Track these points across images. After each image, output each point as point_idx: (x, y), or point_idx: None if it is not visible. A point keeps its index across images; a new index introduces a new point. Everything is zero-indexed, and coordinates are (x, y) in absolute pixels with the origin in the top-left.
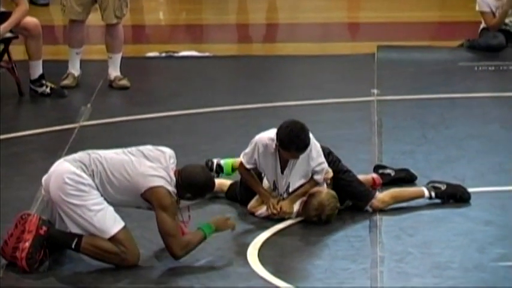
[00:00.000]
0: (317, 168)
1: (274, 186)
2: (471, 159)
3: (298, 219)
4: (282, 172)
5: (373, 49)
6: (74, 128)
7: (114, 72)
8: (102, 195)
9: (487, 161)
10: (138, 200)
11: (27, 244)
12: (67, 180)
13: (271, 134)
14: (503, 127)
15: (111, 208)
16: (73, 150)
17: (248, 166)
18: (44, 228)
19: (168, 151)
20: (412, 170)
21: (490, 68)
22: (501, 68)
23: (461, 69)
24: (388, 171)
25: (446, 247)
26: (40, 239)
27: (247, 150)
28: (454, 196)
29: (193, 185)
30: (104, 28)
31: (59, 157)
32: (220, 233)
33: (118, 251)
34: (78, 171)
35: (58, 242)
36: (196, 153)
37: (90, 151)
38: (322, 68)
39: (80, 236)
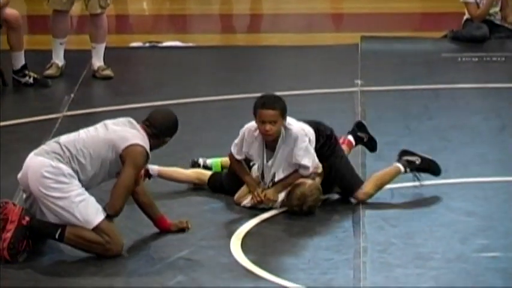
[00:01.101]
0: (303, 163)
1: (262, 176)
2: (454, 150)
3: (282, 209)
4: (268, 161)
5: (357, 40)
6: (57, 118)
7: (98, 62)
8: (82, 182)
9: (470, 152)
10: (116, 166)
11: (8, 234)
12: (46, 174)
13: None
14: (486, 118)
15: (92, 198)
16: None
17: (238, 157)
18: (27, 218)
19: (129, 118)
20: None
21: (473, 59)
22: (484, 59)
23: (444, 60)
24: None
25: (429, 238)
26: (22, 230)
27: (237, 141)
28: (426, 170)
29: (170, 124)
30: (87, 18)
31: None
32: (204, 223)
33: (102, 240)
34: (54, 163)
35: (41, 232)
36: (179, 144)
37: (57, 138)
38: (306, 59)
39: (63, 226)
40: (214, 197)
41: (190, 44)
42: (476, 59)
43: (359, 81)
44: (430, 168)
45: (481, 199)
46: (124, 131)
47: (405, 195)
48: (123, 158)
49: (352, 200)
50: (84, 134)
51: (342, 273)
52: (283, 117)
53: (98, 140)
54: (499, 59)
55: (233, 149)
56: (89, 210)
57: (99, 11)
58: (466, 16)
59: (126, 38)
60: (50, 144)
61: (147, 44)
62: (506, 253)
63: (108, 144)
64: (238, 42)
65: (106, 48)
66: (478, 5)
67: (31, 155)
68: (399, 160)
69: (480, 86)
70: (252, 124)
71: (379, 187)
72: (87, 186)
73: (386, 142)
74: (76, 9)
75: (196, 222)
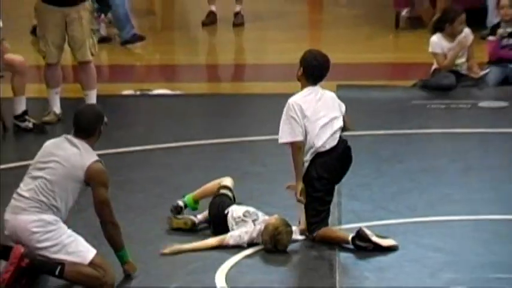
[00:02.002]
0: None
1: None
2: (423, 190)
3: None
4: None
5: (333, 88)
6: None
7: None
8: (63, 218)
9: (437, 192)
10: (80, 188)
11: (7, 275)
12: (34, 230)
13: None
14: (453, 160)
15: (80, 238)
16: None
17: (299, 138)
18: (26, 260)
19: (64, 136)
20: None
21: (441, 106)
22: (451, 106)
23: (414, 107)
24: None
25: (400, 272)
26: (22, 270)
27: (286, 127)
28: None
29: (94, 117)
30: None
31: None
32: (191, 258)
33: (98, 274)
34: (37, 217)
35: (42, 271)
36: (168, 185)
37: (18, 190)
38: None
39: (62, 264)
40: (197, 236)
41: (179, 92)
42: (444, 106)
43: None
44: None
45: (448, 236)
46: (74, 157)
47: (376, 231)
48: (88, 181)
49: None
50: (42, 177)
51: None
52: None
53: (59, 179)
54: (465, 106)
55: (290, 137)
56: (81, 248)
57: (90, 58)
58: (435, 66)
59: (118, 87)
60: (20, 199)
61: (138, 92)
62: (473, 286)
63: (70, 178)
64: (224, 91)
65: (99, 96)
66: (445, 56)
67: (10, 214)
68: (355, 236)
69: (447, 131)
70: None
71: (325, 240)
72: (66, 217)
73: (359, 183)
74: (67, 59)
75: (183, 258)
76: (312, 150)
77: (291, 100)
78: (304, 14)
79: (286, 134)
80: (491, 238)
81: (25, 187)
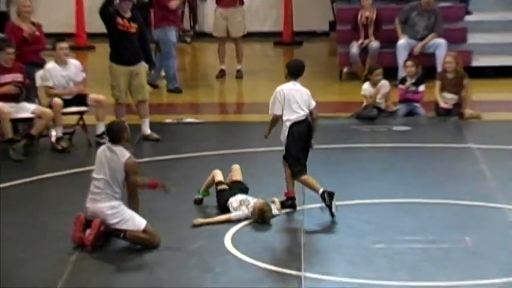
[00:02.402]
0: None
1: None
2: (359, 183)
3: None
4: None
5: None
6: None
7: (147, 130)
8: (121, 194)
9: (368, 184)
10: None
11: (91, 237)
12: (108, 212)
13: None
14: (377, 164)
15: (135, 213)
16: None
17: (278, 113)
18: (102, 228)
19: (106, 145)
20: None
21: (368, 130)
22: (375, 129)
23: (352, 130)
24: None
25: (342, 234)
26: (100, 234)
27: (273, 104)
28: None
29: (117, 128)
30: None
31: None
32: (205, 229)
33: (148, 237)
34: (107, 204)
35: (112, 235)
36: (195, 180)
37: (93, 181)
38: (276, 129)
39: (125, 231)
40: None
41: (201, 120)
42: (370, 129)
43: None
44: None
45: (374, 213)
46: (115, 158)
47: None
48: (126, 171)
49: None
50: (102, 178)
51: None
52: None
53: (112, 175)
54: (384, 129)
55: (275, 111)
56: (136, 221)
57: (146, 98)
58: (364, 104)
59: (163, 117)
60: (95, 191)
61: (175, 121)
62: (390, 244)
63: (118, 172)
64: (230, 119)
65: (150, 122)
66: (371, 97)
67: (90, 203)
68: (324, 192)
69: (373, 146)
70: (279, 88)
71: (305, 185)
72: (122, 195)
73: (317, 178)
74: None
75: (200, 228)
76: (289, 122)
77: (279, 88)
78: (282, 71)
79: (273, 109)
80: (405, 214)
81: (95, 185)
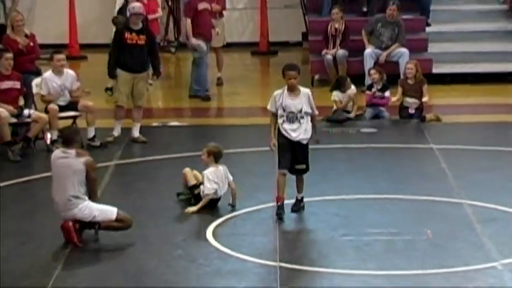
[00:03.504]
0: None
1: (292, 114)
2: (329, 180)
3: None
4: (294, 101)
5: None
6: (110, 165)
7: (136, 133)
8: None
9: (338, 181)
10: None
11: (75, 239)
12: (80, 215)
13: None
14: (347, 162)
15: (103, 205)
16: (112, 182)
17: (273, 110)
18: (77, 225)
19: (58, 149)
20: None
21: (339, 131)
22: (344, 131)
23: (324, 132)
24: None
25: (314, 226)
26: (78, 231)
27: (269, 103)
28: None
29: (69, 132)
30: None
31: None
32: (189, 221)
33: (122, 224)
34: (77, 208)
35: (88, 228)
36: (176, 177)
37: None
38: (254, 131)
39: (99, 223)
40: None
41: (185, 124)
42: (341, 131)
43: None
44: None
45: (343, 207)
46: (72, 161)
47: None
48: (87, 169)
49: None
50: (63, 181)
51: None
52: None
53: (74, 174)
54: (352, 131)
55: (270, 108)
56: (108, 213)
57: (142, 104)
58: (334, 108)
59: (149, 121)
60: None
61: (161, 124)
62: (358, 237)
63: (78, 172)
64: (211, 123)
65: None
66: (341, 102)
67: (63, 212)
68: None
69: (343, 146)
70: (278, 91)
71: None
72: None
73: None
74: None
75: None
76: (280, 121)
77: (275, 92)
78: (259, 78)
79: (269, 106)
80: (372, 209)
81: (55, 191)
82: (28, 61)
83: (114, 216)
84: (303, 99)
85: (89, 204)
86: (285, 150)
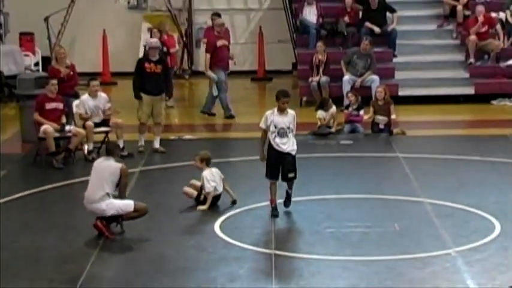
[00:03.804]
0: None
1: (282, 130)
2: (314, 183)
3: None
4: (283, 120)
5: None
6: (135, 171)
7: (157, 145)
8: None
9: (321, 184)
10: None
11: (107, 234)
12: (105, 208)
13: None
14: (329, 169)
15: (123, 201)
16: (137, 184)
17: (264, 126)
18: (104, 222)
19: (105, 157)
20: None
21: (322, 143)
22: (327, 143)
23: (310, 144)
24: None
25: (301, 221)
26: (107, 226)
27: (262, 121)
28: None
29: (113, 146)
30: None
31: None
32: (201, 216)
33: (139, 213)
34: (104, 202)
35: (114, 221)
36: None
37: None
38: (252, 144)
39: (122, 216)
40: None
41: (197, 137)
42: (324, 143)
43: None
44: None
45: (325, 206)
46: (112, 165)
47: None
48: (121, 174)
49: None
50: (98, 178)
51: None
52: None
53: (109, 176)
54: (333, 143)
55: (262, 125)
56: (127, 206)
57: (161, 121)
58: (319, 124)
59: (168, 134)
60: (93, 193)
61: (177, 137)
62: (338, 229)
63: (113, 173)
64: (218, 136)
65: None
66: (324, 119)
67: (90, 204)
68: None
69: (326, 155)
70: (269, 111)
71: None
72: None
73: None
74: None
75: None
76: (271, 137)
77: (267, 112)
78: (256, 100)
79: (261, 124)
80: (349, 206)
81: (93, 188)
82: (68, 87)
83: (132, 208)
84: (290, 118)
85: (113, 201)
86: (274, 162)
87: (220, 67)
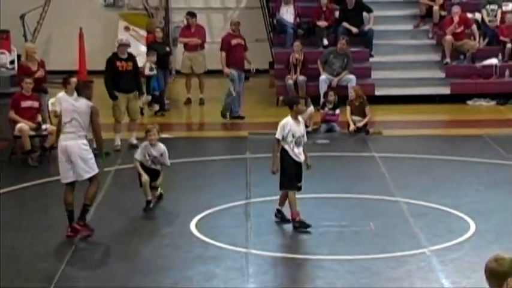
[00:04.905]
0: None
1: (299, 139)
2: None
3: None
4: (299, 127)
5: (246, 134)
6: (111, 170)
7: (134, 140)
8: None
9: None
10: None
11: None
12: (83, 147)
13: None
14: (309, 171)
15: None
16: (113, 183)
17: (279, 137)
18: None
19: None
20: None
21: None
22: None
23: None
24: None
25: (281, 221)
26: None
27: (278, 131)
28: None
29: (83, 84)
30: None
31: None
32: (177, 214)
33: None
34: (82, 141)
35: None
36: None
37: (65, 122)
38: (228, 143)
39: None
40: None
41: (173, 136)
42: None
43: (247, 153)
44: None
45: (309, 205)
46: (83, 103)
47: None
48: (92, 113)
49: None
50: (73, 116)
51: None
52: None
53: (81, 115)
54: (310, 142)
55: (279, 135)
56: (94, 165)
57: (137, 117)
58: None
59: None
60: (69, 131)
61: None
62: (314, 228)
63: (84, 112)
64: (194, 135)
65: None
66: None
67: (67, 141)
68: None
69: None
70: (284, 121)
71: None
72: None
73: (260, 179)
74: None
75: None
76: (289, 147)
77: (283, 122)
78: None
79: (278, 134)
80: (326, 205)
81: (70, 125)
82: (38, 82)
83: (96, 171)
84: (303, 126)
85: (87, 145)
86: (293, 172)
87: (235, 66)
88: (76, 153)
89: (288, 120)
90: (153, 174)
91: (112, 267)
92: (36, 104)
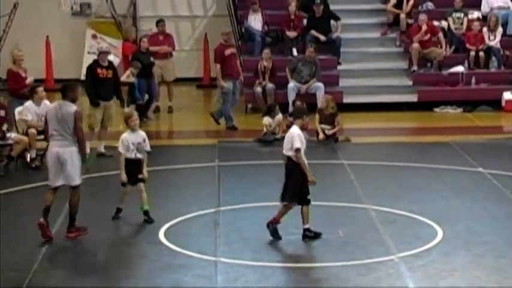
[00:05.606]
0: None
1: (306, 149)
2: (265, 189)
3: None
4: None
5: (215, 142)
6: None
7: (102, 149)
8: None
9: (268, 191)
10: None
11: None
12: (75, 154)
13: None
14: (276, 175)
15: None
16: (82, 192)
17: (304, 147)
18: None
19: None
20: None
21: (268, 150)
22: (273, 150)
23: (255, 151)
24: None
25: (250, 229)
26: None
27: (298, 141)
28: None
29: (68, 86)
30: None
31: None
32: (145, 224)
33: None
34: (73, 148)
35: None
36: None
37: (55, 130)
38: (197, 150)
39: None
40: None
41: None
42: (269, 150)
43: (216, 161)
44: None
45: (271, 214)
46: (67, 108)
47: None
48: (75, 118)
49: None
50: (59, 124)
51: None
52: None
53: (65, 121)
54: (278, 150)
55: (300, 145)
56: (78, 176)
57: (109, 126)
58: (264, 131)
59: (113, 141)
60: (58, 138)
61: None
62: (283, 236)
63: (68, 119)
64: (163, 143)
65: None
66: (270, 125)
67: (59, 147)
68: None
69: (271, 163)
70: (297, 131)
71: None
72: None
73: (234, 184)
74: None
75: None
76: (304, 157)
77: (297, 132)
78: (202, 107)
79: (300, 145)
80: (294, 214)
81: (58, 133)
82: (25, 89)
83: (79, 182)
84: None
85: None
86: (305, 184)
87: (230, 77)
88: (67, 160)
89: (299, 130)
90: (137, 166)
91: (79, 276)
92: (2, 113)
